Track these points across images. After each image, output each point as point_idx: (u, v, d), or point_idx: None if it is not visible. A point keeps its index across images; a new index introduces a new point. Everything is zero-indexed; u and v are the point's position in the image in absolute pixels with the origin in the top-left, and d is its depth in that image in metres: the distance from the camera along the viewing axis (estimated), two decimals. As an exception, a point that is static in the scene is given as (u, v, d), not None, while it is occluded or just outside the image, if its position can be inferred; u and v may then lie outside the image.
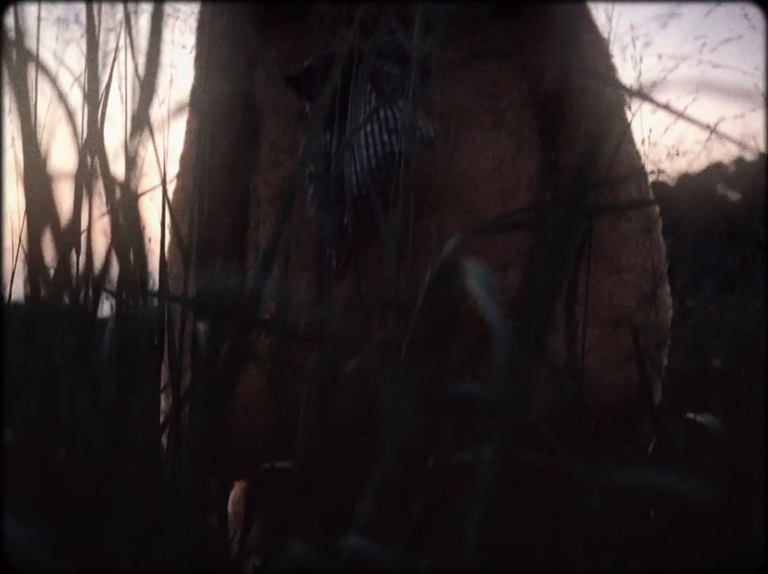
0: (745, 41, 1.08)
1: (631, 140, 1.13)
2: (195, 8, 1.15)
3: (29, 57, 0.67)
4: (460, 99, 1.00)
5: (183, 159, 1.12)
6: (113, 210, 0.70)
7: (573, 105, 1.07)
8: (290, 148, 1.04)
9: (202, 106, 1.06)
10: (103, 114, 0.98)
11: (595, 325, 0.95)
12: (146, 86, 0.71)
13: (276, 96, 1.05)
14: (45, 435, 0.56)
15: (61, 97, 0.65)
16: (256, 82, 1.08)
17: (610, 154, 0.97)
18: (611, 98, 1.12)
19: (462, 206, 1.00)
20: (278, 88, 1.04)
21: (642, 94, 0.73)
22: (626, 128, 1.11)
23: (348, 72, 0.95)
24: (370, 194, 0.93)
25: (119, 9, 1.01)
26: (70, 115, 0.74)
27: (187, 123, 1.15)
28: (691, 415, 1.00)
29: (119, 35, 1.00)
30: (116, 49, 1.00)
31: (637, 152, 1.13)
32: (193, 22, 1.11)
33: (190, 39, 1.11)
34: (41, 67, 0.73)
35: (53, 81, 0.66)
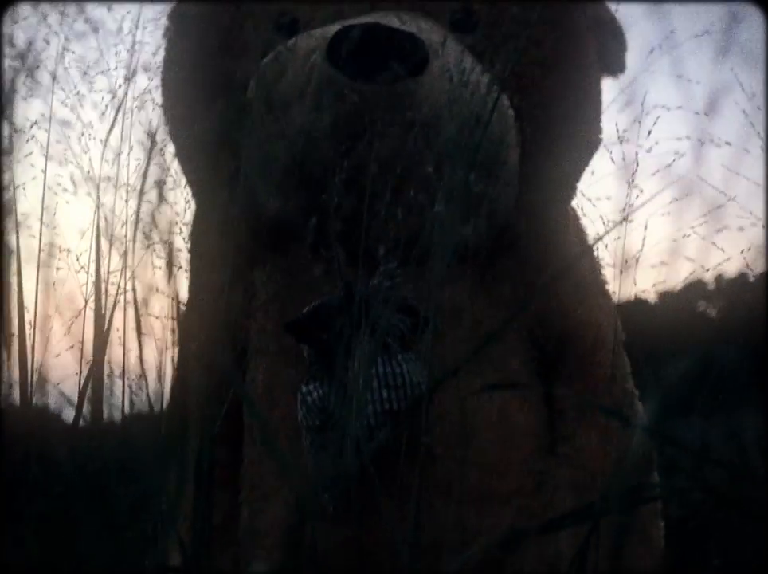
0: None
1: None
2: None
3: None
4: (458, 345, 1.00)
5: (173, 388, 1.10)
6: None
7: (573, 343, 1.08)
8: (285, 387, 1.03)
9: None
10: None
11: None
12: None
13: (272, 336, 1.05)
14: None
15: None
16: (251, 317, 1.07)
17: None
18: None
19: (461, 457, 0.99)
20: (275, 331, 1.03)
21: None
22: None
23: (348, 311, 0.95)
24: (368, 455, 0.92)
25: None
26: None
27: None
28: None
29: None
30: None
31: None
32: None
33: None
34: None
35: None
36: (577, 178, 1.09)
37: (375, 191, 0.88)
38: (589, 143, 1.08)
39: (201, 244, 1.04)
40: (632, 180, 0.88)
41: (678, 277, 1.00)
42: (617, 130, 0.90)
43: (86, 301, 0.99)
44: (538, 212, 1.06)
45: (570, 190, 1.10)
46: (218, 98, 0.98)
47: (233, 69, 1.05)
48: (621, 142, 0.88)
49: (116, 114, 0.84)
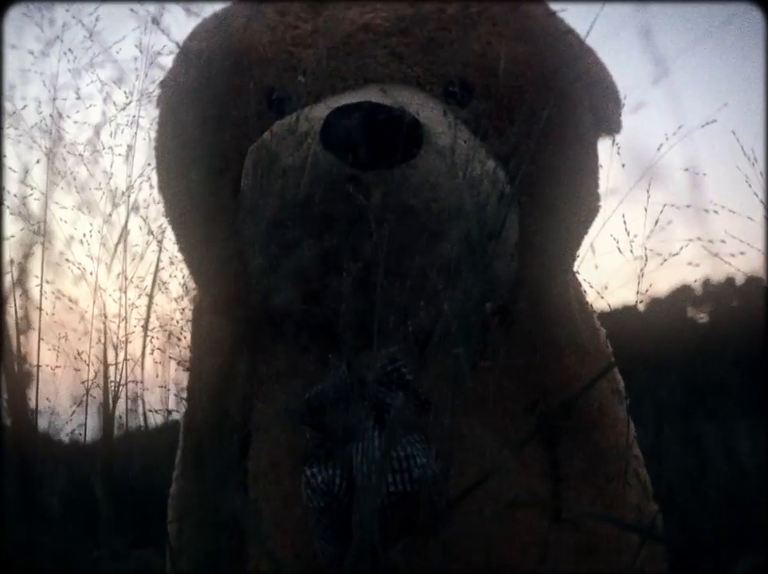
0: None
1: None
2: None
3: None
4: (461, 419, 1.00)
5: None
6: None
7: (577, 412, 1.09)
8: (290, 466, 1.03)
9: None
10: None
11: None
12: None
13: (275, 415, 1.05)
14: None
15: None
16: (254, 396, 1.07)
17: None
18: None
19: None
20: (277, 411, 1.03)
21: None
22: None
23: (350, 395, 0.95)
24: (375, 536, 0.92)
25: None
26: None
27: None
28: None
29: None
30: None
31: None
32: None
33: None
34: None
35: None
36: (577, 247, 1.09)
37: (376, 281, 0.88)
38: (588, 210, 1.08)
39: (203, 327, 1.03)
40: (642, 275, 0.89)
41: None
42: (628, 234, 0.90)
43: (87, 391, 0.99)
44: (539, 285, 1.05)
45: (570, 260, 1.09)
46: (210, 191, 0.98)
47: (225, 146, 1.04)
48: (632, 250, 0.88)
49: (126, 219, 0.84)
